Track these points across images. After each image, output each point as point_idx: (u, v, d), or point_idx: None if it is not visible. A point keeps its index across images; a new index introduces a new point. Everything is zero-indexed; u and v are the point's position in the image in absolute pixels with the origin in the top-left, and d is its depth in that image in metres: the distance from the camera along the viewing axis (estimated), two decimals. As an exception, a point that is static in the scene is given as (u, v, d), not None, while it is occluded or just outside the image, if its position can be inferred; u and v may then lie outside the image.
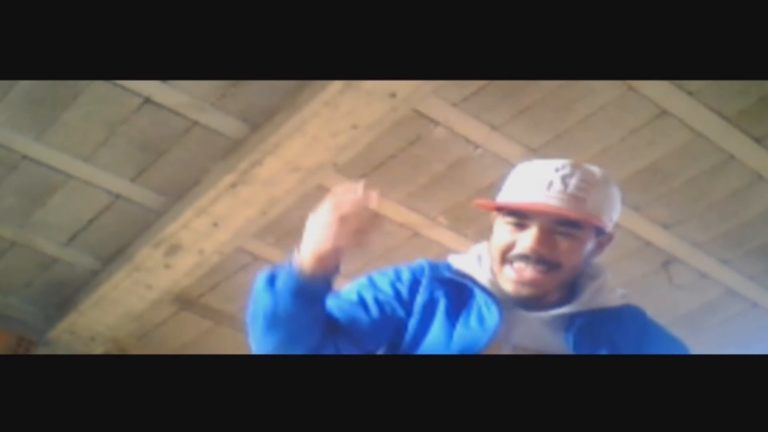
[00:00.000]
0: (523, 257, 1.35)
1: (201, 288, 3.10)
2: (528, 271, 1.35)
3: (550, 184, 1.36)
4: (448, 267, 1.44)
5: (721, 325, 3.22)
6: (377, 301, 1.38)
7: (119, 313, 3.04)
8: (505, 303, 1.37)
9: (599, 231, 1.39)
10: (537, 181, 1.37)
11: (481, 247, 1.46)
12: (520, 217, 1.36)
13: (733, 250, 2.95)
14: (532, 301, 1.36)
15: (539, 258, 1.34)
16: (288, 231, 2.86)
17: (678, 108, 2.47)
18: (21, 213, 2.86)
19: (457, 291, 1.41)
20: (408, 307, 1.39)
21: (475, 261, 1.43)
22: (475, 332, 1.35)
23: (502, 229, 1.38)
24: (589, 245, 1.39)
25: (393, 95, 2.29)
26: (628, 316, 1.41)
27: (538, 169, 1.39)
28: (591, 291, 1.39)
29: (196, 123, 2.55)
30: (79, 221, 2.90)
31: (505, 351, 1.35)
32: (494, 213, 1.42)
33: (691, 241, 2.92)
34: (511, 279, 1.36)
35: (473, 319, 1.36)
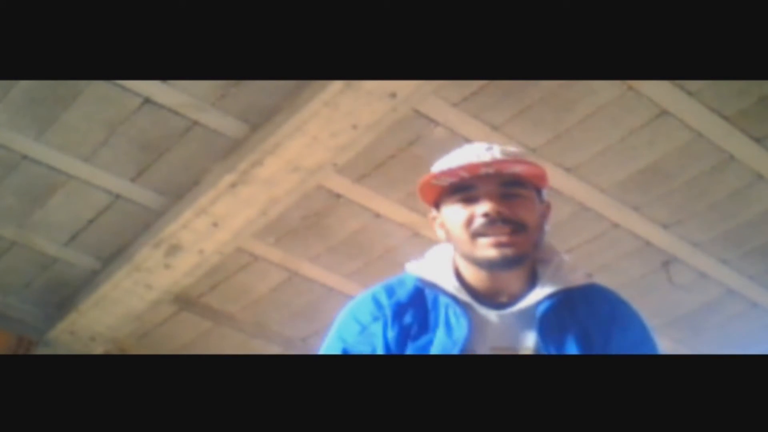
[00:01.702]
0: (490, 221, 1.36)
1: (201, 288, 3.11)
2: (501, 234, 1.36)
3: (478, 156, 1.39)
4: (403, 281, 1.44)
5: (721, 325, 3.22)
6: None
7: (119, 313, 3.04)
8: (472, 307, 1.38)
9: (539, 195, 1.42)
10: (470, 158, 1.40)
11: (439, 250, 1.46)
12: (466, 190, 1.38)
13: (733, 250, 2.96)
14: (512, 263, 1.36)
15: (504, 219, 1.36)
16: (288, 231, 2.88)
17: (678, 108, 2.48)
18: (21, 213, 2.86)
19: (422, 304, 1.41)
20: (383, 347, 1.38)
21: (436, 266, 1.43)
22: (445, 346, 1.34)
23: (454, 210, 1.39)
24: (537, 206, 1.41)
25: (393, 95, 2.29)
26: (596, 295, 1.41)
27: (465, 151, 1.42)
28: (549, 274, 1.39)
29: (196, 123, 2.55)
30: (79, 221, 2.90)
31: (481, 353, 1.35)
32: (434, 210, 1.43)
33: (691, 241, 2.93)
34: (490, 244, 1.36)
35: (442, 333, 1.36)
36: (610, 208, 2.80)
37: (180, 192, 2.74)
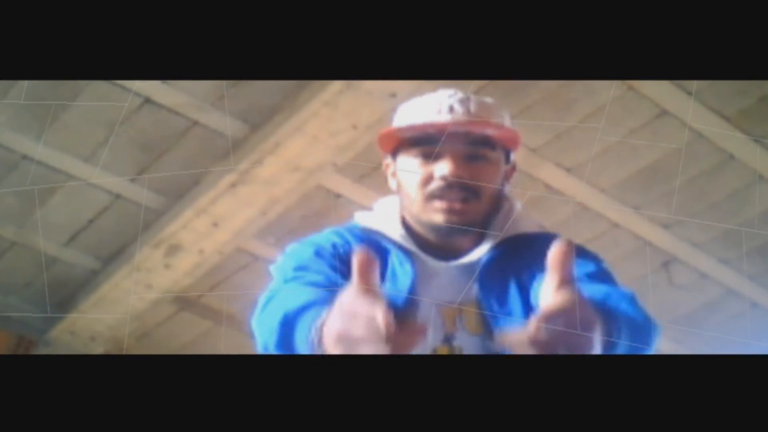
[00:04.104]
0: (447, 186, 1.27)
1: (201, 288, 3.11)
2: (455, 200, 1.27)
3: (451, 108, 1.31)
4: (352, 229, 1.36)
5: (720, 324, 3.23)
6: (317, 284, 1.26)
7: (119, 313, 3.05)
8: (418, 257, 1.30)
9: (506, 157, 1.34)
10: (434, 108, 1.31)
11: (388, 201, 1.39)
12: (429, 144, 1.29)
13: (733, 250, 2.96)
14: (456, 232, 1.28)
15: (462, 184, 1.27)
16: (288, 231, 2.88)
17: (678, 108, 2.49)
18: (21, 213, 2.87)
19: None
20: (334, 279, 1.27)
21: (383, 216, 1.36)
22: (390, 294, 1.24)
23: (412, 165, 1.30)
24: (501, 170, 1.33)
25: (393, 95, 2.29)
26: (547, 242, 1.19)
27: (429, 99, 1.34)
28: (497, 224, 1.32)
29: (196, 123, 2.56)
30: (79, 221, 2.91)
31: (425, 308, 1.26)
32: (389, 157, 1.35)
33: (691, 241, 2.93)
34: (440, 209, 1.28)
35: (388, 280, 1.28)
36: (610, 208, 2.80)
37: (180, 192, 2.75)
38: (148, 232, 2.84)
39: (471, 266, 1.28)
